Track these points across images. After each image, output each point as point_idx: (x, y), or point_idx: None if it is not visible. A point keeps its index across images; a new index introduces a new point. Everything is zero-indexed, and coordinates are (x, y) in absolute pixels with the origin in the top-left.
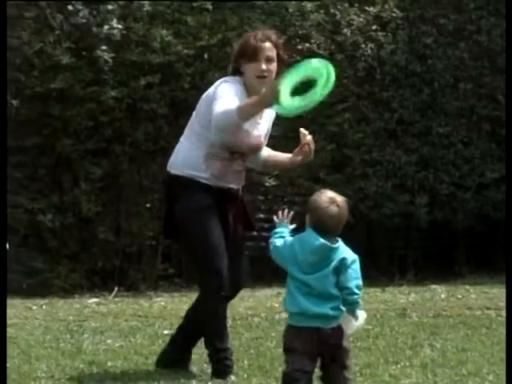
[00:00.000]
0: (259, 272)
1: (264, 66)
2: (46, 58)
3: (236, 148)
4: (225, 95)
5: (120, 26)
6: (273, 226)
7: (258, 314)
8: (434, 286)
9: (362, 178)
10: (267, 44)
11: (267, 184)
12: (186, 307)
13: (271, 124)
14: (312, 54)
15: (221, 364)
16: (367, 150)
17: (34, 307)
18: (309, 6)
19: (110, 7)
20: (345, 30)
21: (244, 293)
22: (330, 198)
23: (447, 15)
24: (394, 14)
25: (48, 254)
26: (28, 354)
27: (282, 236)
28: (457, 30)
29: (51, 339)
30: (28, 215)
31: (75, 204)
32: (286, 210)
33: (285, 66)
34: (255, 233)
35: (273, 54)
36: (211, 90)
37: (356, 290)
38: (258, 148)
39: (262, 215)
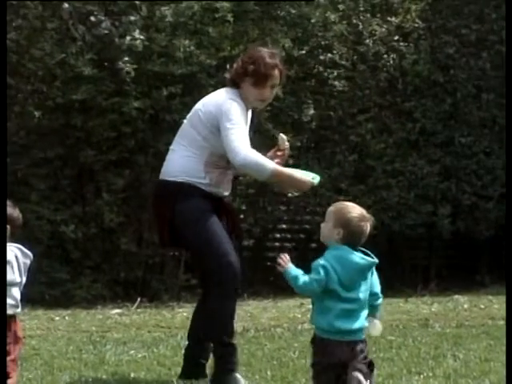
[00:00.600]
0: (281, 283)
1: (268, 94)
2: (68, 69)
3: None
4: (240, 122)
5: (142, 37)
6: (294, 238)
7: (280, 324)
8: (456, 296)
9: (384, 189)
10: (276, 72)
11: (289, 195)
12: None
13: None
14: None
15: (226, 361)
16: (389, 161)
17: (57, 318)
18: (332, 16)
19: (132, 18)
20: (367, 41)
21: (267, 303)
22: (361, 215)
23: (469, 25)
24: (416, 25)
25: (71, 265)
26: (51, 365)
27: (298, 276)
28: (479, 40)
29: (74, 350)
30: (51, 226)
31: (98, 215)
32: (285, 254)
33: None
34: (277, 243)
35: (278, 81)
36: (212, 103)
37: (380, 295)
38: None
39: (284, 226)
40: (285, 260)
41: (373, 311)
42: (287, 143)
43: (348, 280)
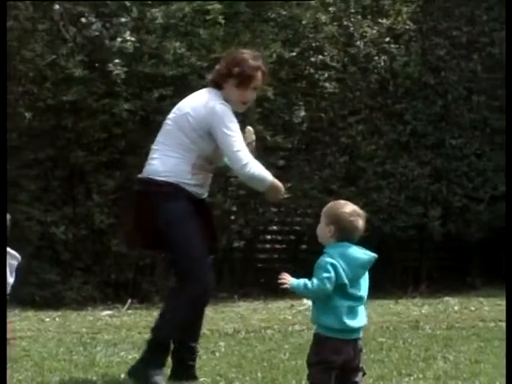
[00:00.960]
0: (272, 284)
1: (251, 96)
2: (58, 70)
3: (217, 161)
4: (237, 129)
5: (133, 39)
6: (285, 240)
7: (271, 326)
8: (447, 298)
9: (375, 191)
10: (259, 74)
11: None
12: None
13: None
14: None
15: (156, 359)
16: (380, 162)
17: (47, 319)
18: (323, 18)
19: (122, 20)
20: (358, 43)
21: (257, 305)
22: (352, 211)
23: (460, 27)
24: (407, 27)
25: (61, 266)
26: (41, 366)
27: (306, 283)
28: (470, 42)
29: (64, 352)
30: (41, 227)
31: (88, 216)
32: (283, 273)
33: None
34: (268, 245)
35: (259, 83)
36: (202, 107)
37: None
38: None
39: (275, 227)
40: (285, 277)
41: None
42: (253, 136)
43: (353, 276)
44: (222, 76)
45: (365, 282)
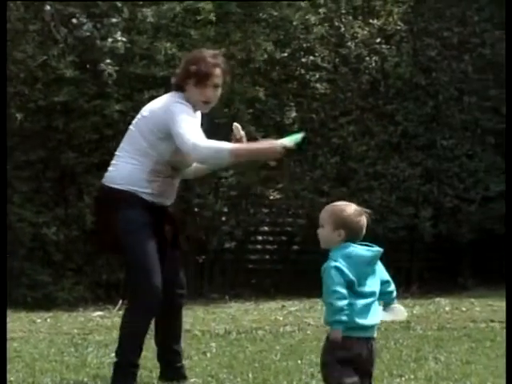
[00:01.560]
0: (263, 285)
1: (211, 93)
2: (50, 71)
3: (180, 165)
4: (189, 121)
5: (124, 39)
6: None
7: (262, 327)
8: (438, 299)
9: (366, 191)
10: (218, 70)
11: (271, 197)
12: (190, 320)
13: None
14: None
15: (130, 379)
16: (371, 163)
17: (39, 320)
18: (313, 19)
19: (114, 20)
20: (349, 43)
21: (248, 306)
22: (356, 211)
23: (451, 28)
24: (398, 27)
25: (52, 267)
26: (32, 367)
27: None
28: (461, 43)
29: (55, 352)
30: (33, 228)
31: (79, 217)
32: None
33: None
34: (259, 246)
35: (220, 80)
36: (159, 108)
37: (391, 280)
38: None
39: (266, 228)
40: (337, 337)
41: (389, 298)
42: (242, 132)
43: (360, 274)
44: (181, 77)
45: (374, 277)
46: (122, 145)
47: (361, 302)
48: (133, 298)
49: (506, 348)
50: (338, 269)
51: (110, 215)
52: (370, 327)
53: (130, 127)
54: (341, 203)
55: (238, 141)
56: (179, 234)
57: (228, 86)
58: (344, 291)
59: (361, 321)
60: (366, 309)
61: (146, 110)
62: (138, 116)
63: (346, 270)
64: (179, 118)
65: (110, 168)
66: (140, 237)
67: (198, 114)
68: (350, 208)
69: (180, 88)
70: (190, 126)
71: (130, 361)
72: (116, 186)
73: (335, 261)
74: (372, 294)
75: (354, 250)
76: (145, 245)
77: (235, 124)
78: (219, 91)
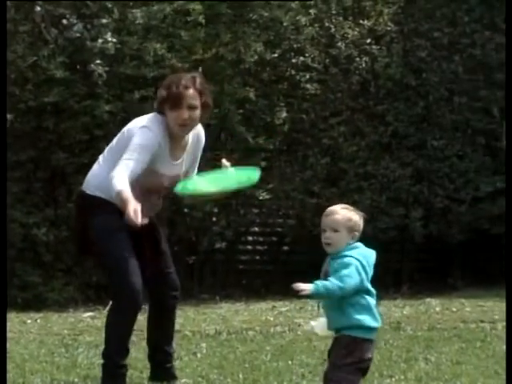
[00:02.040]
0: (253, 286)
1: (186, 115)
2: (40, 71)
3: (153, 188)
4: (134, 152)
5: (114, 40)
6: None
7: (252, 327)
8: (428, 299)
9: (356, 192)
10: (190, 91)
11: (261, 198)
12: (180, 320)
13: (200, 152)
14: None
15: (119, 380)
16: (362, 164)
17: (29, 321)
18: (303, 19)
19: (104, 21)
20: (339, 44)
21: (239, 306)
22: (361, 214)
23: (441, 29)
24: (388, 28)
25: (43, 268)
26: (22, 368)
27: (325, 284)
28: (451, 43)
29: (46, 353)
30: (23, 229)
31: (69, 218)
32: (296, 284)
33: (208, 110)
34: (249, 246)
35: (195, 101)
36: (132, 128)
37: None
38: (176, 184)
39: (256, 229)
40: (301, 285)
41: None
42: (231, 168)
43: (370, 274)
44: (159, 103)
45: None
46: (104, 152)
47: (373, 302)
48: (113, 300)
49: (506, 348)
50: (363, 266)
51: (85, 220)
52: (377, 329)
53: (114, 138)
54: (346, 207)
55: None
56: (160, 236)
57: (219, 86)
58: (358, 274)
59: (373, 323)
60: (374, 310)
61: (126, 127)
62: (123, 130)
63: (368, 268)
64: (131, 145)
65: (89, 172)
66: (115, 241)
67: (190, 150)
68: (357, 212)
69: (161, 112)
70: (128, 156)
71: (116, 362)
72: (88, 192)
73: (357, 259)
74: (376, 296)
75: (366, 251)
76: (120, 248)
77: (223, 161)
78: (197, 112)
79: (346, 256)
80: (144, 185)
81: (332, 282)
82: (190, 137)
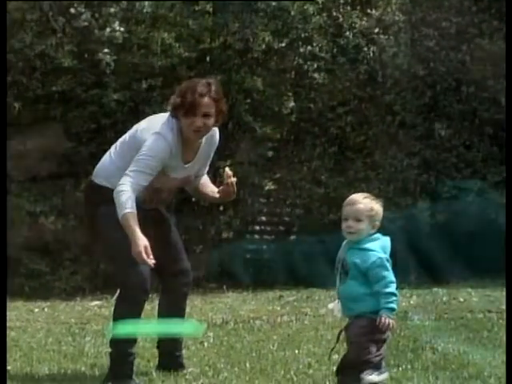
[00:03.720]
0: (260, 275)
1: (200, 123)
2: (48, 60)
3: (164, 188)
4: (145, 158)
5: (122, 29)
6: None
7: (259, 316)
8: (435, 289)
9: (363, 181)
10: (205, 100)
11: (268, 187)
12: (188, 309)
13: (213, 152)
14: None
15: (126, 368)
16: (369, 153)
17: (36, 310)
18: (311, 9)
19: (111, 10)
20: (347, 33)
21: (246, 296)
22: (381, 203)
23: (449, 18)
24: (396, 18)
25: (50, 257)
26: (30, 356)
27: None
28: (459, 33)
29: (53, 342)
30: (30, 218)
31: (77, 206)
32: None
33: (223, 116)
34: (257, 236)
35: (211, 109)
36: (147, 129)
37: None
38: (187, 186)
39: (264, 218)
40: (386, 322)
41: None
42: (233, 178)
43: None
44: (173, 109)
45: None
46: (117, 143)
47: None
48: (121, 289)
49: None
50: (388, 260)
51: (93, 209)
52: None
53: (127, 133)
54: (368, 195)
55: (227, 185)
56: (169, 224)
57: (227, 76)
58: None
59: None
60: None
61: (139, 126)
62: (135, 126)
63: (389, 261)
64: (142, 153)
65: (100, 161)
66: (122, 230)
67: (203, 151)
68: (377, 201)
69: (175, 116)
70: (138, 168)
71: (124, 350)
72: (97, 182)
73: (381, 258)
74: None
75: (384, 241)
76: (122, 238)
77: (226, 169)
78: (211, 120)
79: (370, 250)
80: (155, 185)
81: (390, 295)
82: (204, 139)
